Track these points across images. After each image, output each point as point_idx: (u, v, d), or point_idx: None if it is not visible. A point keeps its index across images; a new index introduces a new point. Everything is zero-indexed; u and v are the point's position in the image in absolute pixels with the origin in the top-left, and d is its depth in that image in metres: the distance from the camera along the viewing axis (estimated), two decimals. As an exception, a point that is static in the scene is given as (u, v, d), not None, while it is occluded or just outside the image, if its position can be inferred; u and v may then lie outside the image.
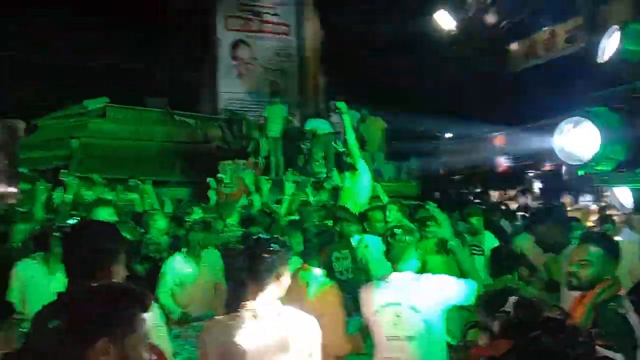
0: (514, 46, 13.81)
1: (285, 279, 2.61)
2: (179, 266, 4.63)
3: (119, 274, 2.01)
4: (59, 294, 1.94)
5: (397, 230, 3.07)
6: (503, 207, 8.99)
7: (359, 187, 6.00)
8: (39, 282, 3.89)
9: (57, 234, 3.94)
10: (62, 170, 7.87)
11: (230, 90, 15.20)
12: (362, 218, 4.98)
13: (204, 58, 15.98)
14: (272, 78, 14.94)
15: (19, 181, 11.72)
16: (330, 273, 3.55)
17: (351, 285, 3.80)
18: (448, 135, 17.83)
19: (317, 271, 3.33)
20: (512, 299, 1.86)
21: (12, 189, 11.57)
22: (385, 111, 12.02)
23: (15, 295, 3.88)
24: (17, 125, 18.01)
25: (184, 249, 4.74)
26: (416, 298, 2.90)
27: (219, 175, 9.73)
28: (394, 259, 3.03)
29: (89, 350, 1.47)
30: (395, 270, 3.04)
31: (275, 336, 2.42)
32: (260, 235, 2.73)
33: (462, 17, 11.96)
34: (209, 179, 8.91)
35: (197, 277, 4.64)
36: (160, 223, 5.09)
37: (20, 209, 5.77)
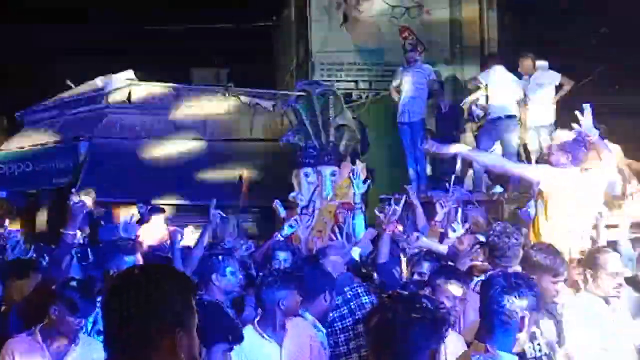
0: None
1: None
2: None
3: None
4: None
5: None
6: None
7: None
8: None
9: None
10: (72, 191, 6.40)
11: (331, 49, 11.31)
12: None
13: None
14: (403, 23, 11.16)
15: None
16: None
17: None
18: None
19: None
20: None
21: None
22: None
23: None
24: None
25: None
26: None
27: (291, 195, 8.20)
28: None
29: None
30: None
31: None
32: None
33: None
34: (275, 203, 7.47)
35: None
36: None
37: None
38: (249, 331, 3.68)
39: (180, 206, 9.40)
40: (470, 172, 9.01)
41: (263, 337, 3.68)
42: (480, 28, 11.20)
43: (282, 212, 7.61)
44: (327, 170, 8.20)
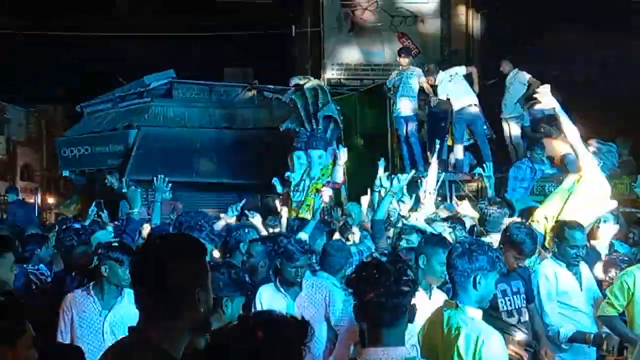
0: None
1: None
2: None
3: None
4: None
5: None
6: None
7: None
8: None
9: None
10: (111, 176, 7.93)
11: (340, 53, 11.90)
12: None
13: (302, 9, 12.84)
14: (402, 30, 11.68)
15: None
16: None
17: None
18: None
19: None
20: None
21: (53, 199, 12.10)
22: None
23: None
24: (54, 114, 15.59)
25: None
26: None
27: (287, 174, 8.38)
28: None
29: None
30: None
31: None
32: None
33: None
34: (273, 180, 8.07)
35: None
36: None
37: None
38: (269, 287, 4.01)
39: (213, 184, 10.24)
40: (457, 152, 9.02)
41: (280, 291, 3.99)
42: (466, 34, 11.84)
43: (280, 188, 8.10)
44: (315, 153, 8.51)
